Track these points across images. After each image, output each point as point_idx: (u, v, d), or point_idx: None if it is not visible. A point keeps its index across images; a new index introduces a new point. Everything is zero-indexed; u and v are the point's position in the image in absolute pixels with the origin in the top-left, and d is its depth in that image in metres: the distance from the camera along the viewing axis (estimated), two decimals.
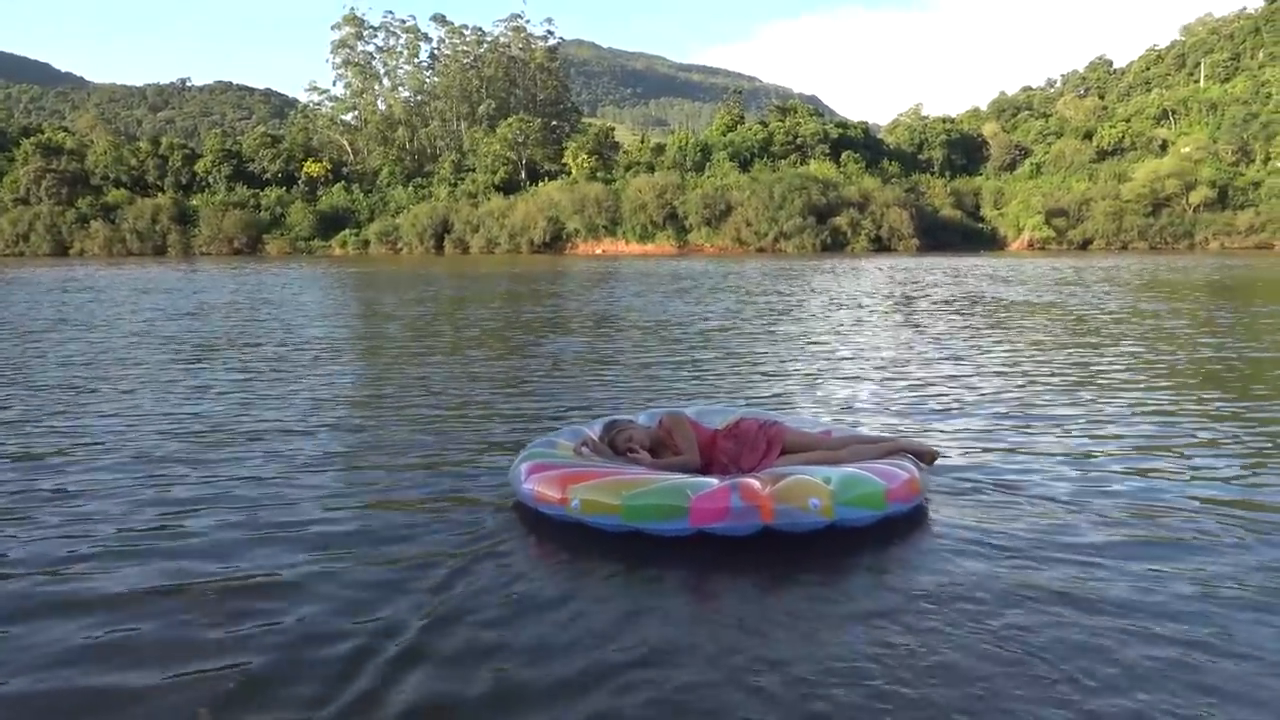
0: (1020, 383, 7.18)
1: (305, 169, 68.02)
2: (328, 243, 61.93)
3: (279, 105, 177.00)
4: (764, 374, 7.84)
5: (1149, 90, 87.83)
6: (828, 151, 66.08)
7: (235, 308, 15.64)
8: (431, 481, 4.36)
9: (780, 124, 69.55)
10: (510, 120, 69.07)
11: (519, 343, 10.30)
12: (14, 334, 11.44)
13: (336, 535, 3.61)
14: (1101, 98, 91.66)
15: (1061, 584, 3.04)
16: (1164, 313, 13.48)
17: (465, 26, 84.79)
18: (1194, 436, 5.24)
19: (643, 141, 73.26)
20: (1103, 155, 70.90)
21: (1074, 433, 5.37)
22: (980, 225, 62.71)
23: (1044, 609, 2.86)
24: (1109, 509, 3.85)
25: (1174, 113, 75.36)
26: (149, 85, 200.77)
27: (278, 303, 16.88)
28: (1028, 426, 5.54)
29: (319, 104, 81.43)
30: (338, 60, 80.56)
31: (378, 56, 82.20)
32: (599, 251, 57.60)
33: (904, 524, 3.62)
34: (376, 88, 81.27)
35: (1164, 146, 69.35)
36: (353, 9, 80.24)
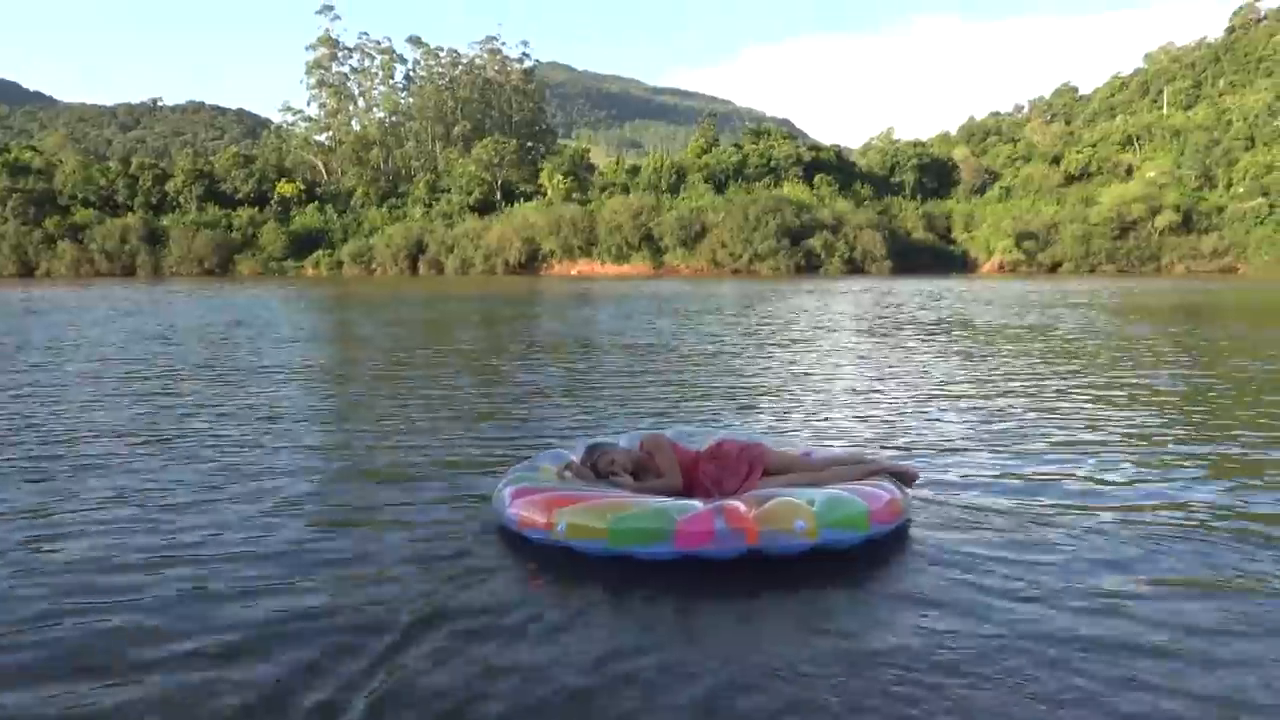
0: (1001, 404, 7.24)
1: (278, 189, 67.56)
2: (301, 263, 61.46)
3: (252, 125, 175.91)
4: (746, 396, 7.86)
5: (1114, 116, 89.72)
6: (801, 174, 66.77)
7: (207, 329, 15.46)
8: (411, 506, 4.32)
9: (754, 146, 70.23)
10: (485, 141, 69.15)
11: (497, 365, 10.26)
12: None
13: (315, 563, 3.56)
14: (1068, 123, 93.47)
15: (1046, 602, 3.07)
16: (1143, 335, 13.69)
17: (441, 48, 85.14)
18: (1172, 451, 5.31)
19: (618, 163, 73.59)
20: (1070, 180, 72.16)
21: (1055, 452, 5.42)
22: (952, 248, 63.50)
23: (1028, 626, 2.87)
24: (1092, 525, 3.89)
25: (1138, 138, 76.94)
26: (119, 105, 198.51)
27: (249, 324, 16.71)
28: (1009, 447, 5.59)
29: (293, 124, 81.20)
30: (312, 81, 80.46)
31: (353, 77, 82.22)
32: (575, 272, 57.66)
33: (885, 545, 3.64)
34: (351, 108, 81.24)
35: (1129, 171, 70.69)
36: (328, 30, 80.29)
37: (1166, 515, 4.07)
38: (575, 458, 4.32)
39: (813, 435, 6.02)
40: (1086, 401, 7.36)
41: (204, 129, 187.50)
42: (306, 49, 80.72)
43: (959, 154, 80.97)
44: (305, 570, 3.46)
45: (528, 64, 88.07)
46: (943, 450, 5.53)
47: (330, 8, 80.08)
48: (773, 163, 67.80)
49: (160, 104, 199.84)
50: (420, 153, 79.54)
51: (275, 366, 10.01)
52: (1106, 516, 4.06)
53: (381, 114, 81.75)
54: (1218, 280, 43.74)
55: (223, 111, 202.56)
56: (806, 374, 9.29)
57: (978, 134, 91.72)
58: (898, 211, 65.40)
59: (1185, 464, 5.12)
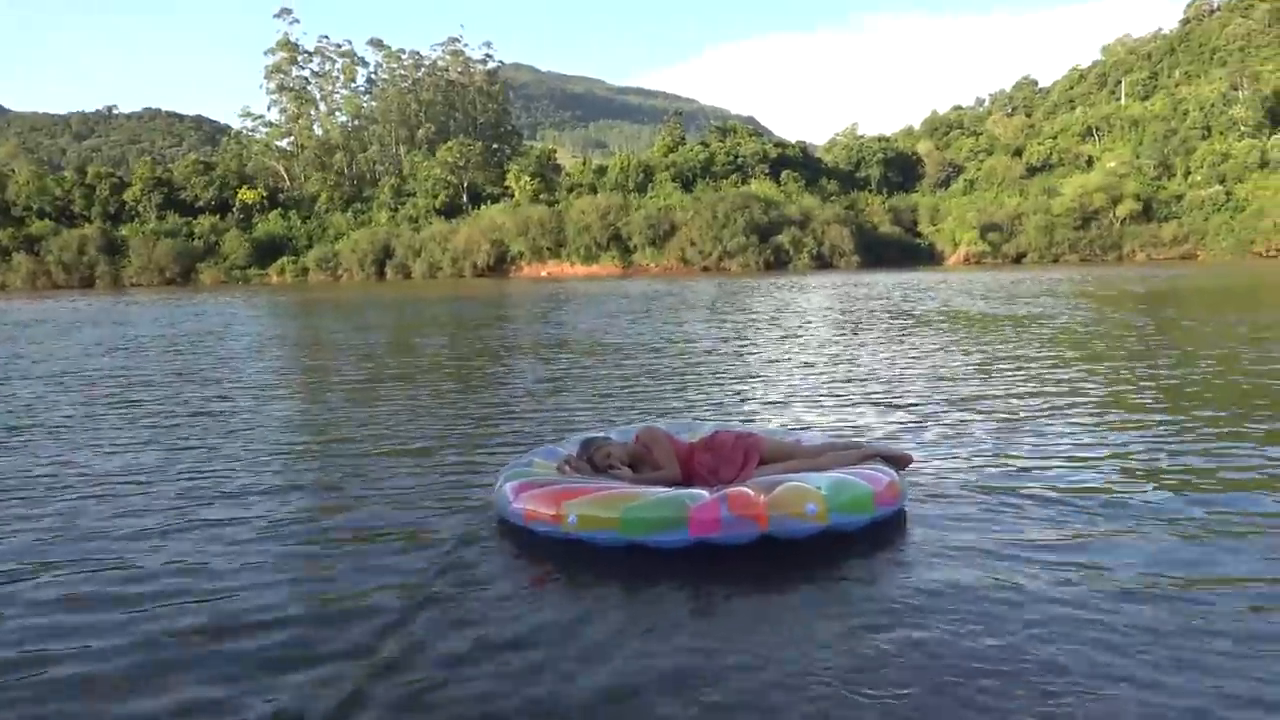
0: (993, 391, 7.25)
1: (240, 196, 66.54)
2: (265, 271, 60.57)
3: (211, 132, 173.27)
4: (733, 388, 7.81)
5: (1073, 108, 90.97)
6: (768, 171, 67.07)
7: (171, 340, 15.15)
8: (404, 508, 4.22)
9: (721, 144, 70.45)
10: (450, 144, 68.62)
11: (475, 368, 10.13)
12: None
13: (312, 572, 3.46)
14: (1029, 116, 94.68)
15: (1042, 584, 3.05)
16: (1122, 322, 13.84)
17: (403, 51, 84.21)
18: (1168, 441, 5.32)
19: (585, 163, 73.43)
20: (1032, 171, 73.16)
21: (1047, 438, 5.42)
22: (918, 241, 64.08)
23: (1026, 610, 2.86)
24: (1085, 510, 3.88)
25: (1098, 130, 78.15)
26: (73, 114, 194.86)
27: (217, 334, 16.41)
28: (999, 431, 5.58)
29: (253, 130, 79.92)
30: (272, 86, 79.22)
31: (314, 81, 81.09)
32: (544, 274, 57.43)
33: (887, 529, 3.62)
34: (313, 113, 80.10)
35: (1090, 162, 71.80)
36: (287, 34, 79.24)
37: (1167, 516, 4.01)
38: (571, 452, 4.24)
39: (808, 419, 5.97)
40: (1081, 390, 7.39)
41: (161, 136, 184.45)
42: (265, 53, 79.60)
43: (923, 148, 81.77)
44: (306, 576, 3.36)
45: (491, 65, 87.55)
46: (940, 438, 5.50)
47: (289, 11, 78.95)
48: (739, 160, 68.04)
49: (116, 111, 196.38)
50: (384, 156, 78.78)
51: (252, 376, 9.81)
52: (1105, 507, 4.04)
53: (344, 118, 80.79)
54: (1179, 266, 44.50)
55: (180, 118, 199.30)
56: (792, 365, 9.26)
57: (941, 128, 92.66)
58: (864, 206, 65.93)
59: (1185, 460, 5.10)
